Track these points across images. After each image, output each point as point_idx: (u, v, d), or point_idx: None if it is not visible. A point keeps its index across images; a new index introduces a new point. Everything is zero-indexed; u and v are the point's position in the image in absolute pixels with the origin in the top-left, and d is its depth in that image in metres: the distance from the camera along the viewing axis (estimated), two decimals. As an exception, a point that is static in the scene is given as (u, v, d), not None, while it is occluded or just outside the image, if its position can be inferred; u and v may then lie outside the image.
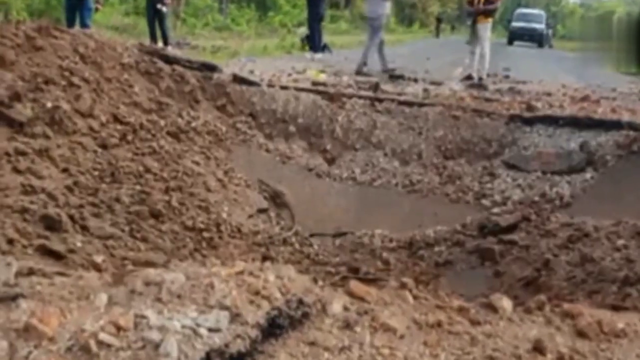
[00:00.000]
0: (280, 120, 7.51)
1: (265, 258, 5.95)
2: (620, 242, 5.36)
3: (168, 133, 6.84)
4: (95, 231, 5.42)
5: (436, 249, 6.03)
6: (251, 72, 9.62)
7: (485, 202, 6.68)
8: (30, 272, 2.41)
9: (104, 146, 6.30)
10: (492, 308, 2.53)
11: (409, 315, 2.27)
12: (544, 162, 6.89)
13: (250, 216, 6.34)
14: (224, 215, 6.11)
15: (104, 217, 5.63)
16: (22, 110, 6.02)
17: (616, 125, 7.01)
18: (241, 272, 2.26)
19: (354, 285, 2.38)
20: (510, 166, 7.00)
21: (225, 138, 7.15)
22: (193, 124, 7.08)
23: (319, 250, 6.21)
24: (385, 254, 6.07)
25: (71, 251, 5.06)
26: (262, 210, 6.48)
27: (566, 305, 2.53)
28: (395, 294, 2.47)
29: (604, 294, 4.78)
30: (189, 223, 5.87)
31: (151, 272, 2.25)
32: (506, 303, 2.58)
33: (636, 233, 5.43)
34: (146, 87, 7.25)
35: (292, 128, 7.43)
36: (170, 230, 5.75)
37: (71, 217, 5.40)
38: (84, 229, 5.39)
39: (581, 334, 2.45)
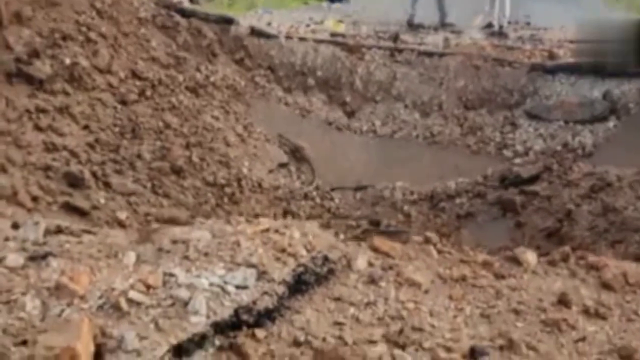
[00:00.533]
0: (299, 73, 7.46)
1: (286, 213, 6.00)
2: (644, 191, 5.33)
3: (187, 88, 6.83)
4: (117, 188, 5.49)
5: (457, 201, 6.03)
6: (268, 24, 9.50)
7: (507, 152, 6.64)
8: (59, 230, 2.44)
9: (124, 102, 6.32)
10: (516, 261, 2.55)
11: (433, 270, 2.29)
12: (566, 111, 6.81)
13: (271, 171, 6.37)
14: (245, 170, 6.14)
15: (125, 174, 5.70)
16: (41, 67, 6.04)
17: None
18: (267, 230, 2.28)
19: (378, 240, 2.40)
20: (532, 116, 6.92)
21: (244, 92, 7.13)
22: (211, 79, 7.07)
23: (340, 204, 6.24)
24: (406, 207, 6.08)
25: (95, 208, 5.14)
26: (282, 165, 6.50)
27: (591, 258, 2.53)
28: (420, 249, 2.49)
29: (626, 243, 4.77)
30: (210, 179, 5.91)
31: (177, 230, 2.29)
32: (530, 256, 2.59)
33: (660, 182, 5.39)
34: (163, 41, 7.22)
35: (311, 81, 7.39)
36: (192, 186, 5.81)
37: (93, 174, 5.47)
38: (107, 185, 5.46)
39: (606, 286, 2.45)
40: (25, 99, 5.74)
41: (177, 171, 5.86)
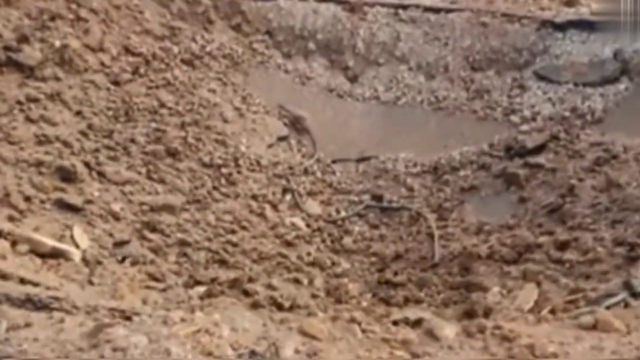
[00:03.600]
0: (299, 37, 7.41)
1: (285, 190, 6.11)
2: (649, 165, 5.32)
3: (182, 61, 6.87)
4: (111, 177, 5.62)
5: (461, 173, 6.07)
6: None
7: (515, 118, 6.59)
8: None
9: (117, 82, 6.39)
10: (435, 337, 2.63)
11: (354, 352, 2.40)
12: (576, 72, 6.69)
13: (270, 145, 6.44)
14: (243, 147, 6.22)
15: (120, 160, 5.81)
16: (31, 53, 6.11)
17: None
18: (198, 331, 2.39)
19: (307, 324, 2.51)
20: (541, 77, 6.82)
21: (241, 61, 7.14)
22: (208, 48, 7.08)
23: (342, 178, 6.31)
24: (409, 180, 6.15)
25: (89, 202, 5.28)
26: (282, 138, 6.55)
27: (507, 326, 2.62)
28: (346, 328, 2.59)
29: (626, 224, 4.82)
30: (207, 159, 6.00)
31: (121, 332, 2.38)
32: (449, 330, 2.67)
33: (668, 154, 5.37)
34: (157, 11, 7.23)
35: (311, 45, 7.35)
36: (187, 168, 5.90)
37: (87, 164, 5.58)
38: (101, 175, 5.59)
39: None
40: (16, 89, 5.86)
41: (173, 154, 5.95)
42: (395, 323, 2.67)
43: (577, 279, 4.45)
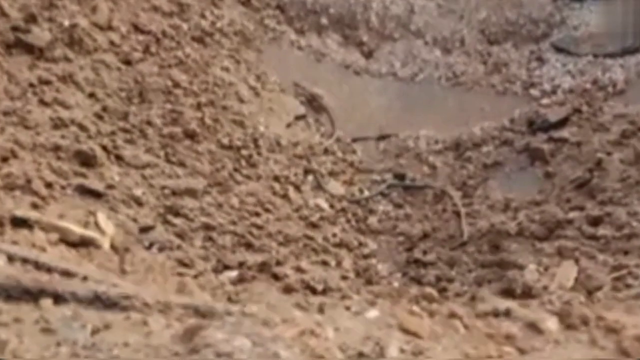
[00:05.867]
0: (311, 11, 7.30)
1: (307, 171, 6.08)
2: (679, 136, 5.34)
3: (193, 38, 6.76)
4: (130, 160, 5.55)
5: (484, 149, 6.06)
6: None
7: (534, 92, 6.58)
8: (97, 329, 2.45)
9: (128, 62, 6.28)
10: (538, 330, 2.61)
11: (461, 349, 2.38)
12: (595, 44, 6.69)
13: (288, 125, 6.38)
14: (261, 128, 6.16)
15: (137, 143, 5.74)
16: (40, 34, 5.99)
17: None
18: (302, 332, 2.36)
19: (407, 320, 2.48)
20: (559, 49, 6.80)
21: (253, 37, 7.04)
22: (218, 25, 6.98)
23: (363, 157, 6.29)
24: (431, 158, 6.13)
25: (110, 187, 5.21)
26: (299, 117, 6.50)
27: (610, 317, 2.60)
28: (447, 324, 2.57)
29: (660, 199, 4.84)
30: (225, 141, 5.95)
31: (220, 337, 2.31)
32: (551, 323, 2.65)
33: (698, 124, 5.39)
34: (165, -13, 7.11)
35: (324, 20, 7.25)
36: (207, 150, 5.85)
37: (104, 148, 5.50)
38: (119, 159, 5.52)
39: (624, 353, 2.52)
40: (27, 71, 5.74)
41: (191, 135, 5.89)
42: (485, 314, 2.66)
43: (614, 255, 4.46)
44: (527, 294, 4.24)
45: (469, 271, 4.96)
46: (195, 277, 4.73)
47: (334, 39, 7.26)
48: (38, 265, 2.99)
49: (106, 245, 4.55)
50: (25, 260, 3.01)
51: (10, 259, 2.99)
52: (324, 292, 4.75)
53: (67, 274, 2.90)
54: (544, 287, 4.19)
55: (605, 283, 3.96)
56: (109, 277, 3.31)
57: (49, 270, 2.98)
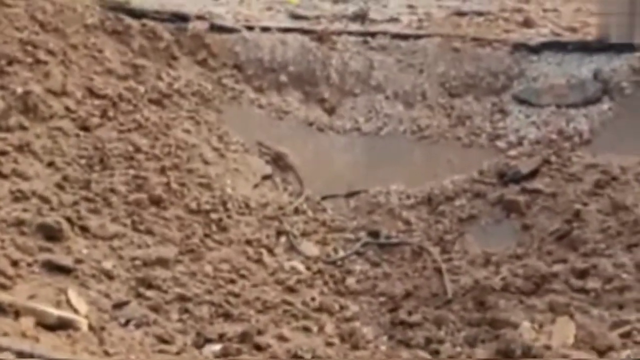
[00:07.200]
0: (269, 69, 7.25)
1: (279, 233, 5.95)
2: (653, 185, 5.44)
3: (150, 101, 6.61)
4: (97, 232, 5.31)
5: (457, 202, 6.04)
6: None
7: (500, 143, 6.65)
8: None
9: (86, 128, 6.08)
10: None
11: None
12: (556, 94, 6.83)
13: (256, 185, 6.26)
14: (229, 190, 6.01)
15: (102, 213, 5.50)
16: (-7, 103, 5.78)
17: (629, 47, 6.94)
18: None
19: None
20: (521, 101, 6.91)
21: (212, 97, 6.93)
22: (175, 86, 6.85)
23: (334, 215, 6.20)
24: (404, 213, 6.08)
25: (79, 261, 4.96)
26: (266, 177, 6.40)
27: None
28: None
29: (644, 247, 4.88)
30: (194, 205, 5.76)
31: None
32: None
33: (668, 173, 5.50)
34: (117, 49, 6.94)
35: (283, 78, 7.20)
36: (174, 216, 5.65)
37: (68, 220, 5.25)
38: (85, 230, 5.27)
39: None
40: (-18, 143, 5.50)
41: (157, 202, 5.69)
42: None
43: (609, 309, 4.45)
44: (527, 354, 4.17)
45: (458, 331, 4.86)
46: (178, 353, 4.53)
47: (295, 96, 7.22)
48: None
49: (84, 326, 4.31)
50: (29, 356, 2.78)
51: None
52: (313, 360, 4.61)
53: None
54: (545, 346, 4.12)
55: (614, 341, 3.91)
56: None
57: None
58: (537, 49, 7.27)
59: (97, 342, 4.23)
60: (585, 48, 7.12)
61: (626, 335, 3.97)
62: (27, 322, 3.71)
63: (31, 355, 2.91)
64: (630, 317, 4.15)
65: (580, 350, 4.01)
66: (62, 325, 4.16)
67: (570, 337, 4.22)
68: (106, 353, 4.14)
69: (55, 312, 4.21)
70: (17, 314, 4.06)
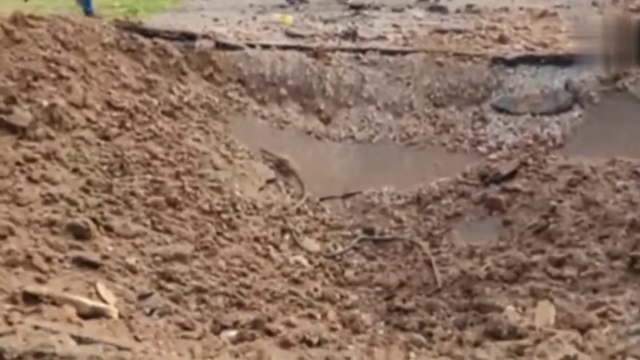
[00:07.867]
0: (270, 83, 7.46)
1: (283, 230, 6.11)
2: (620, 183, 5.63)
3: (163, 112, 6.77)
4: (120, 231, 5.44)
5: (444, 202, 6.24)
6: (216, 20, 9.44)
7: (482, 148, 6.88)
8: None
9: (106, 137, 6.23)
10: None
11: None
12: (531, 103, 7.09)
13: (261, 189, 6.42)
14: (237, 192, 6.17)
15: (124, 214, 5.64)
16: (22, 114, 5.89)
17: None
18: None
19: None
20: (499, 110, 7.17)
21: (219, 109, 7.11)
22: (185, 99, 7.01)
23: (332, 214, 6.38)
24: (396, 212, 6.27)
25: (105, 257, 5.10)
26: (270, 181, 6.56)
27: None
28: None
29: (613, 239, 5.07)
30: (206, 207, 5.92)
31: None
32: None
33: (633, 172, 5.71)
34: (131, 65, 7.10)
35: (283, 91, 7.40)
36: (189, 217, 5.80)
37: (94, 220, 5.40)
38: (109, 230, 5.40)
39: None
40: (12, 150, 5.61)
41: (173, 203, 5.83)
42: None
43: (584, 294, 4.62)
44: (513, 334, 4.32)
45: (448, 315, 5.02)
46: (199, 339, 4.66)
47: (294, 107, 7.40)
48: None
49: (115, 315, 4.44)
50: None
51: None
52: (319, 344, 4.74)
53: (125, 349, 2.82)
54: (529, 327, 4.27)
55: (593, 319, 4.07)
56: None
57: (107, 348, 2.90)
58: (513, 63, 7.51)
59: (127, 329, 4.37)
60: (557, 61, 7.36)
61: (603, 314, 4.11)
62: (70, 310, 3.80)
63: (80, 339, 3.02)
64: (605, 299, 4.31)
65: (561, 329, 4.16)
66: (95, 314, 4.31)
67: (551, 319, 4.37)
68: (136, 339, 4.27)
69: (89, 302, 4.36)
70: (54, 304, 4.21)
